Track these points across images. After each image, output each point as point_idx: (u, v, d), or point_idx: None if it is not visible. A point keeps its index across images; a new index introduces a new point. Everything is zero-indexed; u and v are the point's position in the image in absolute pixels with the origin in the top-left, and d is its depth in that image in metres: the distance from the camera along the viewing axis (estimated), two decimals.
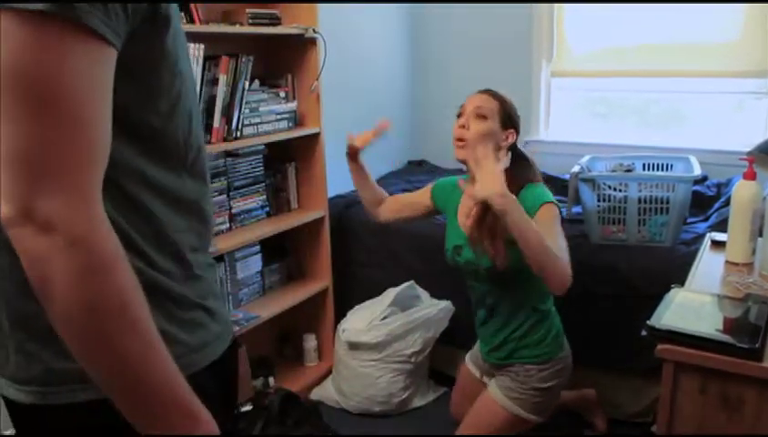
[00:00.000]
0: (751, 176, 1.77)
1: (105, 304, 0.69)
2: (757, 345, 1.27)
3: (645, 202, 2.33)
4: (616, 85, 3.44)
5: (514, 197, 1.67)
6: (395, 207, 2.27)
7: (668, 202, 2.32)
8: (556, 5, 3.41)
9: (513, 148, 1.96)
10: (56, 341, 0.72)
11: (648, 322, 1.37)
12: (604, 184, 2.37)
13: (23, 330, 0.80)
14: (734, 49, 3.10)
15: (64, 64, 0.67)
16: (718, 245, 1.94)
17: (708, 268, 1.79)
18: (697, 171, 2.39)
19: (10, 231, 0.67)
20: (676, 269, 2.18)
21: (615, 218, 2.38)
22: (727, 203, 2.63)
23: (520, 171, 1.91)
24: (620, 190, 2.36)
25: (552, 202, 1.86)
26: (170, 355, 0.76)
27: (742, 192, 1.77)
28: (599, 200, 2.38)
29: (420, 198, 2.26)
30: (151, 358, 0.73)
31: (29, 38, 0.66)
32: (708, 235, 2.06)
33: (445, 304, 2.58)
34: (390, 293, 2.62)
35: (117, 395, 0.74)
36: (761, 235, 1.78)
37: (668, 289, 1.54)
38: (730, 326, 1.38)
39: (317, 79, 2.58)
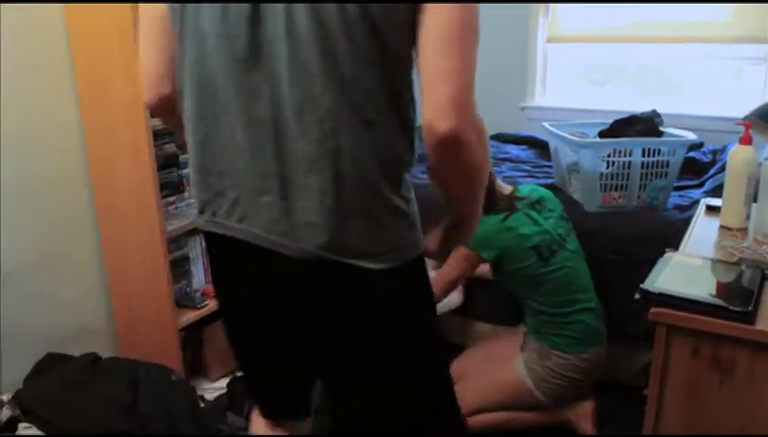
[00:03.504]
0: (746, 140, 1.76)
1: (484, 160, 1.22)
2: (750, 308, 1.28)
3: (646, 167, 2.33)
4: (613, 51, 3.42)
5: None
6: None
7: (667, 166, 2.32)
8: None
9: None
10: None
11: (641, 286, 1.37)
12: (611, 151, 2.34)
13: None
14: (727, 26, 3.09)
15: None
16: (713, 210, 1.94)
17: (702, 232, 1.79)
18: (691, 135, 2.39)
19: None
20: (671, 234, 2.18)
21: (618, 184, 2.36)
22: (722, 169, 2.63)
23: None
24: (625, 155, 2.33)
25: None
26: None
27: (738, 157, 1.76)
28: (606, 167, 2.34)
29: (472, 269, 2.17)
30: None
31: None
32: (702, 200, 2.06)
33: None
34: None
35: (467, 201, 1.27)
36: (755, 200, 1.78)
37: (662, 254, 1.54)
38: (723, 290, 1.38)
39: None
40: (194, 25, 1.09)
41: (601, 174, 2.35)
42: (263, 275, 1.19)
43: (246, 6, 1.04)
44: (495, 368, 2.19)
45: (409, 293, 1.20)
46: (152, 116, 1.46)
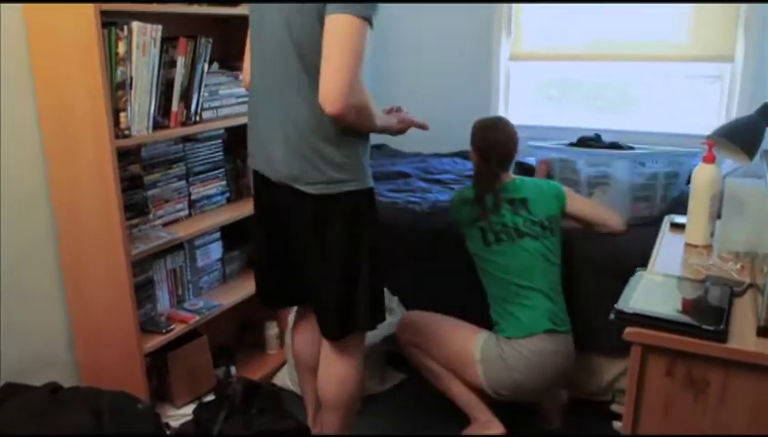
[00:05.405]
0: (710, 159, 1.80)
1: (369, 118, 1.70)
2: (722, 326, 1.30)
3: (668, 177, 2.39)
4: (573, 68, 3.49)
5: None
6: None
7: (676, 177, 2.40)
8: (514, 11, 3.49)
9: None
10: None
11: (616, 306, 1.39)
12: (639, 162, 2.37)
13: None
14: (684, 45, 3.19)
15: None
16: (677, 227, 1.98)
17: (669, 250, 1.83)
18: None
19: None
20: (634, 250, 2.23)
21: (645, 194, 2.39)
22: None
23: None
24: (648, 166, 2.37)
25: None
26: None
27: (702, 176, 1.80)
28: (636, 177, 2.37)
29: None
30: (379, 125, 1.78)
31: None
32: (666, 217, 2.10)
33: (397, 306, 2.57)
34: None
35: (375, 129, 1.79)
36: (719, 216, 1.82)
37: (625, 269, 1.56)
38: (695, 308, 1.40)
39: None
40: (253, 28, 1.78)
41: (633, 185, 2.37)
42: (270, 195, 1.84)
43: (257, 18, 1.75)
44: (461, 331, 2.26)
45: (337, 213, 1.74)
46: None
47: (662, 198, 2.42)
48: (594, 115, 3.47)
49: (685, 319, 1.33)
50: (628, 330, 1.35)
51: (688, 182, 2.62)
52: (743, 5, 3.02)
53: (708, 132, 2.03)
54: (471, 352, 2.18)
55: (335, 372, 1.91)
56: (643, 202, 2.41)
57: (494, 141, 2.26)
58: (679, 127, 3.25)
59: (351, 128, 1.68)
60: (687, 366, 1.33)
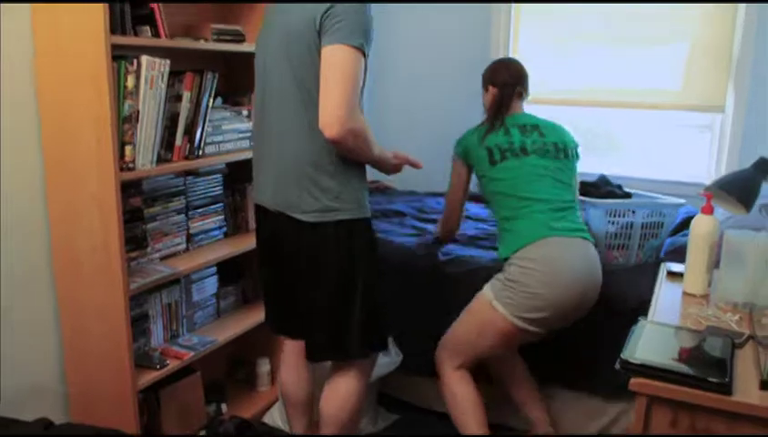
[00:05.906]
0: (708, 210, 1.83)
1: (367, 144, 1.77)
2: (727, 379, 1.31)
3: (645, 227, 2.43)
4: (564, 113, 3.54)
5: None
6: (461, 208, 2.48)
7: (661, 226, 2.44)
8: (511, 47, 3.57)
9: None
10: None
11: (621, 356, 1.39)
12: (614, 210, 2.42)
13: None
14: (676, 94, 3.26)
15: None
16: (674, 275, 2.00)
17: (667, 299, 1.84)
18: (680, 200, 2.54)
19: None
20: (629, 293, 2.26)
21: (619, 243, 2.44)
22: (675, 232, 2.73)
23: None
24: (625, 216, 2.43)
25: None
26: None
27: (701, 226, 1.83)
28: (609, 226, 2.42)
29: (464, 178, 2.38)
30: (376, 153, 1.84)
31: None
32: (663, 265, 2.12)
33: (391, 345, 2.53)
34: None
35: (372, 164, 1.88)
36: (716, 267, 1.84)
37: (621, 312, 1.57)
38: (697, 359, 1.42)
39: None
40: (257, 61, 1.92)
41: (607, 233, 2.42)
42: (267, 225, 1.93)
43: (262, 46, 1.89)
44: (471, 304, 2.21)
45: (332, 242, 1.80)
46: None
47: (641, 247, 2.46)
48: (590, 161, 3.52)
49: (690, 370, 1.34)
50: (633, 380, 1.36)
51: (677, 231, 2.70)
52: (735, 56, 3.10)
53: (697, 180, 2.08)
54: (486, 301, 2.11)
55: (338, 389, 1.95)
56: (617, 250, 2.46)
57: (507, 72, 2.36)
58: (668, 174, 3.31)
59: (350, 154, 1.76)
60: (691, 417, 1.34)
